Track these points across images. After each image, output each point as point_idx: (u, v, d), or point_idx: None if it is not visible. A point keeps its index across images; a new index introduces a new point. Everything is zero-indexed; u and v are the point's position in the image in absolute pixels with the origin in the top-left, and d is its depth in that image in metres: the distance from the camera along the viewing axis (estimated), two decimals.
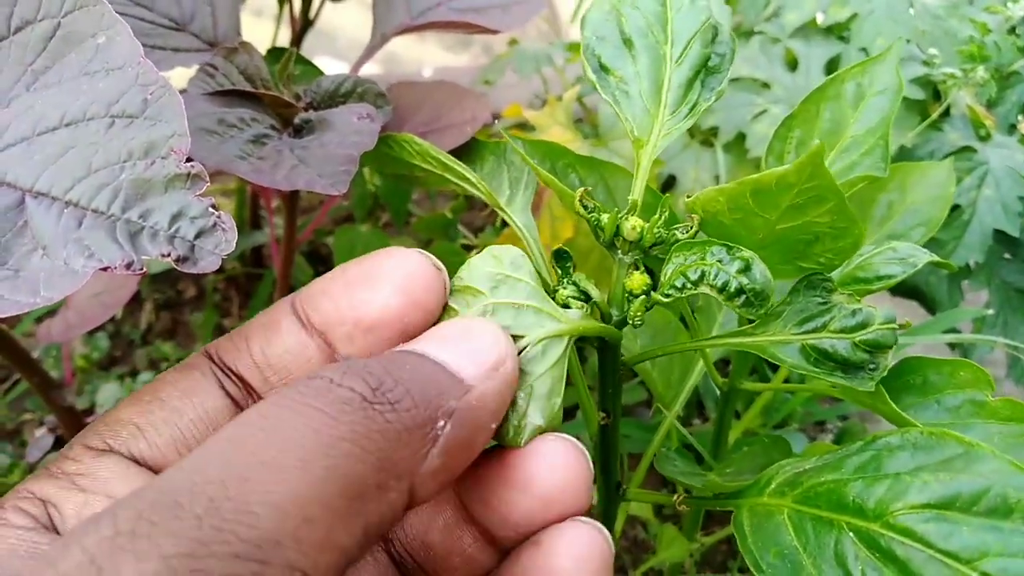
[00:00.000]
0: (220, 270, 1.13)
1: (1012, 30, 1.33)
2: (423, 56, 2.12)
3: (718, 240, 0.40)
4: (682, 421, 1.04)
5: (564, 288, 0.40)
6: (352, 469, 0.26)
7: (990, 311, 1.02)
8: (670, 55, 0.48)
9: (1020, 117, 1.28)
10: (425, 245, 1.23)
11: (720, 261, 0.38)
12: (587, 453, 0.35)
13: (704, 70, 0.48)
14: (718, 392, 0.67)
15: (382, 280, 0.36)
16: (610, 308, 0.42)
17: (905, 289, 1.06)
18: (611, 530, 0.58)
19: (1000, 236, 1.02)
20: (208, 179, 0.38)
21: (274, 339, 0.37)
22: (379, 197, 1.18)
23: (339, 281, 0.37)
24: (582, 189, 0.42)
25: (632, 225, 0.41)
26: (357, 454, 0.26)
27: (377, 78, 1.72)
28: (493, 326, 0.33)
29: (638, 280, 0.40)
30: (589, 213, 0.42)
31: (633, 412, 1.06)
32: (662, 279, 0.40)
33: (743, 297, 0.38)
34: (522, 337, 0.35)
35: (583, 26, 0.49)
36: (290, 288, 1.13)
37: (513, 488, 0.34)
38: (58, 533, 0.30)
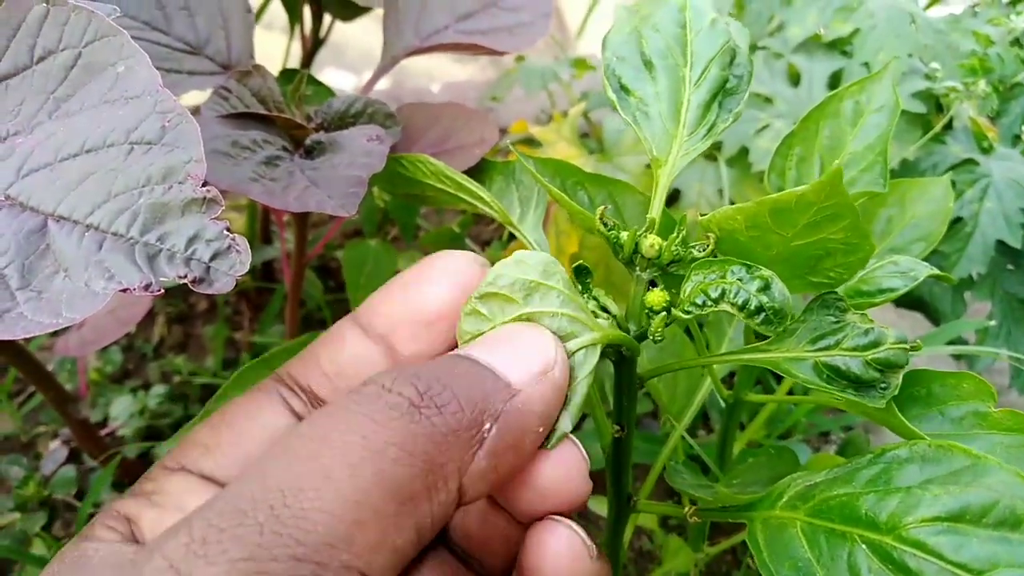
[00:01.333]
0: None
1: (1016, 42, 1.34)
2: (431, 68, 2.14)
3: (736, 259, 0.41)
4: (688, 432, 1.05)
5: (587, 302, 0.41)
6: (400, 473, 0.27)
7: (993, 322, 1.03)
8: (689, 77, 0.50)
9: (1023, 128, 1.28)
10: None
11: (740, 280, 0.40)
12: (581, 446, 0.36)
13: (722, 92, 0.49)
14: (723, 404, 0.68)
15: (437, 277, 0.38)
16: (628, 323, 0.43)
17: (909, 301, 1.07)
18: (620, 541, 0.60)
19: (1003, 247, 1.03)
20: (223, 203, 0.40)
21: (340, 350, 0.39)
22: (388, 212, 1.19)
23: (396, 285, 0.40)
24: (601, 208, 0.43)
25: (651, 243, 0.42)
26: (404, 458, 0.27)
27: (386, 93, 1.74)
28: (544, 332, 0.35)
29: (658, 296, 0.41)
30: (608, 231, 0.43)
31: (640, 423, 1.07)
32: (682, 296, 0.41)
33: (763, 315, 0.39)
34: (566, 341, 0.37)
35: (604, 47, 0.51)
36: (300, 302, 1.15)
37: (521, 482, 0.35)
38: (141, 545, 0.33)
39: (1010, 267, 1.08)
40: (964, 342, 1.06)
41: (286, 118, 0.63)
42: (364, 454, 0.27)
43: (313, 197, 0.53)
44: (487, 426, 0.30)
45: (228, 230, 0.40)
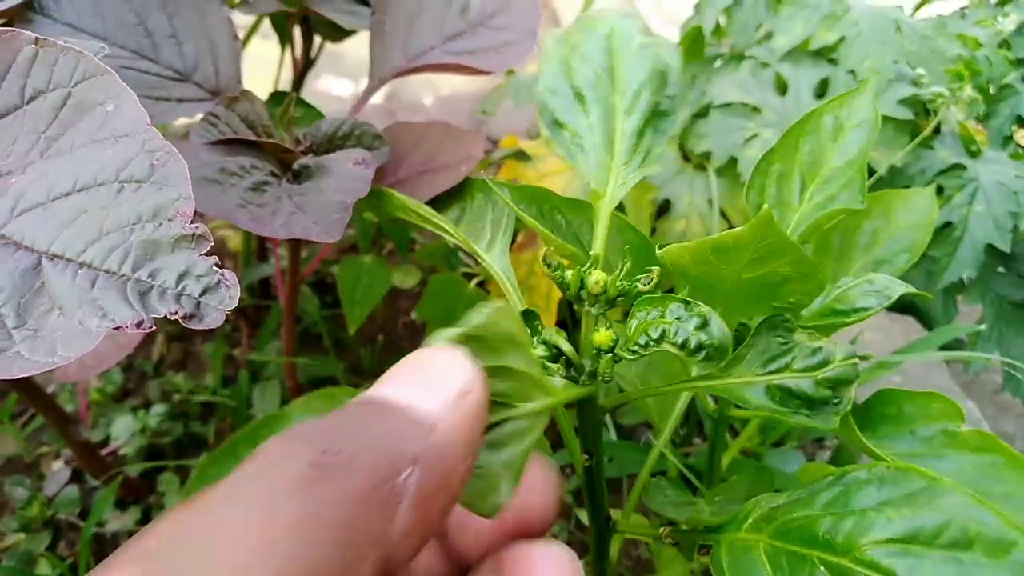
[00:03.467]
0: None
1: (1003, 44, 1.34)
2: (429, 77, 2.15)
3: (676, 296, 0.42)
4: (682, 441, 1.06)
5: (535, 347, 0.42)
6: (310, 557, 0.22)
7: (984, 326, 1.03)
8: (620, 106, 0.50)
9: (1014, 128, 1.29)
10: (428, 273, 1.25)
11: (679, 319, 0.40)
12: (553, 470, 0.34)
13: (655, 115, 0.50)
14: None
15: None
16: (581, 360, 0.44)
17: (901, 305, 1.08)
18: (605, 559, 0.61)
19: (992, 251, 1.03)
20: (212, 239, 0.41)
21: None
22: (382, 227, 1.21)
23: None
24: (545, 250, 0.44)
25: (596, 279, 0.43)
26: (312, 539, 0.22)
27: (381, 107, 1.75)
28: (453, 351, 0.29)
29: (604, 337, 0.42)
30: (553, 271, 0.44)
31: (634, 432, 1.08)
32: (628, 334, 0.42)
33: (703, 352, 0.40)
34: (513, 407, 0.34)
35: (538, 80, 0.51)
36: (297, 318, 1.16)
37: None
38: None
39: (1000, 270, 1.08)
40: (957, 345, 1.06)
41: (274, 143, 0.64)
42: (258, 549, 0.21)
43: (299, 224, 0.54)
44: (407, 472, 0.25)
45: (217, 265, 0.41)
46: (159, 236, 0.41)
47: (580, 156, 0.49)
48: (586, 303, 0.44)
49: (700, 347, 0.40)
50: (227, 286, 0.40)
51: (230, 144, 0.65)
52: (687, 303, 0.40)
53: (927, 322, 1.07)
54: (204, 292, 0.40)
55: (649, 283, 0.43)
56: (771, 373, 0.43)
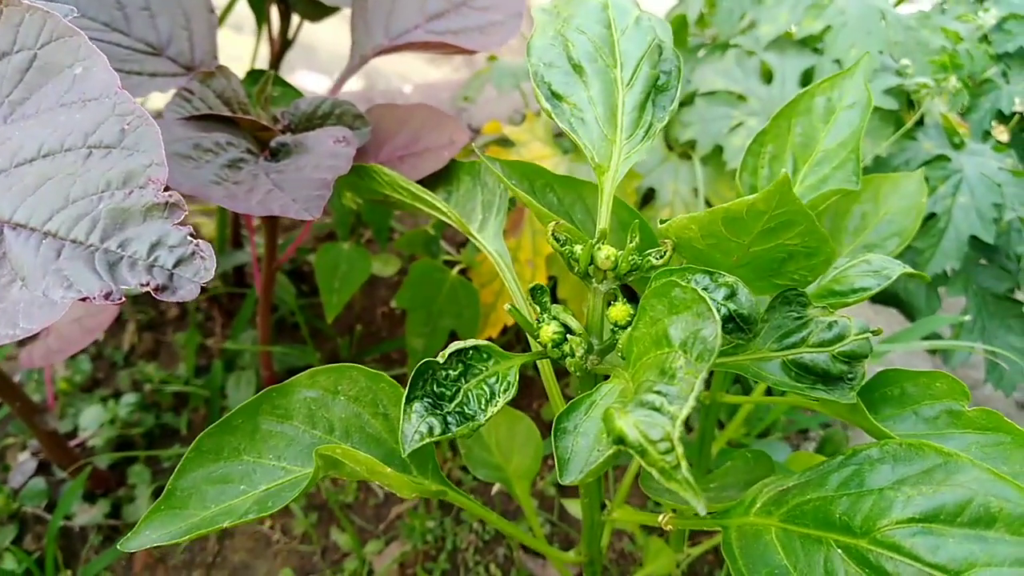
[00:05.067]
0: (202, 290, 1.13)
1: (984, 38, 1.34)
2: (403, 68, 2.12)
3: (698, 266, 0.40)
4: None
5: (547, 324, 0.40)
6: None
7: (967, 317, 1.03)
8: (621, 78, 0.49)
9: (994, 123, 1.29)
10: (408, 261, 1.23)
11: (706, 288, 0.39)
12: None
13: (655, 90, 0.49)
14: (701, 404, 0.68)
15: None
16: (590, 337, 0.42)
17: (884, 297, 1.07)
18: (597, 545, 0.59)
19: (976, 242, 1.03)
20: (186, 208, 0.39)
21: None
22: (361, 214, 1.18)
23: None
24: (553, 224, 0.42)
25: (606, 254, 0.41)
26: None
27: (358, 94, 1.72)
28: None
29: (621, 311, 0.41)
30: (562, 246, 0.42)
31: None
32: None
33: (732, 324, 0.39)
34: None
35: (529, 53, 0.49)
36: (273, 307, 1.13)
37: None
38: None
39: (983, 262, 1.08)
40: (939, 337, 1.06)
41: (251, 119, 0.62)
42: None
43: (277, 201, 0.52)
44: None
45: (192, 235, 0.39)
46: (130, 204, 0.39)
47: (582, 129, 0.48)
48: (594, 280, 0.42)
49: (729, 317, 0.38)
50: (202, 257, 0.38)
51: (205, 120, 0.62)
52: (711, 273, 0.39)
53: (910, 313, 1.07)
54: (178, 263, 0.38)
55: (662, 257, 0.42)
56: (787, 349, 0.41)
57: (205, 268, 0.38)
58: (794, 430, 1.05)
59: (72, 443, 1.00)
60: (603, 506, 0.53)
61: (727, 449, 0.80)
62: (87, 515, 0.96)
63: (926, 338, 1.00)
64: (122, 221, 0.38)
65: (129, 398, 1.05)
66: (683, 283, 0.37)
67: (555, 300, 1.03)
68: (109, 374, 1.12)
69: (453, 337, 1.00)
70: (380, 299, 1.25)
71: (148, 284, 0.37)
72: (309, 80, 2.03)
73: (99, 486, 0.98)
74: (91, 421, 1.02)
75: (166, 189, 0.39)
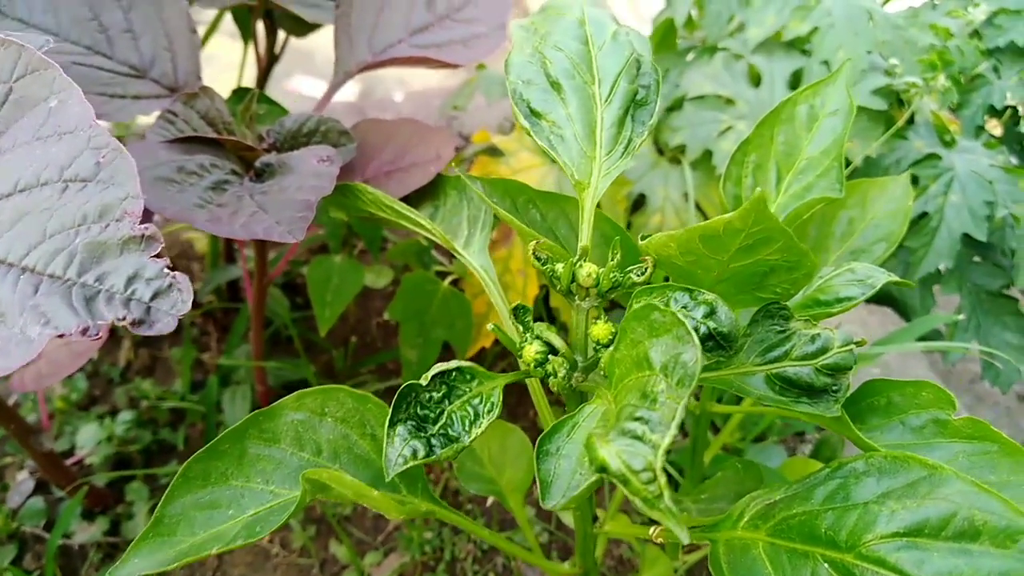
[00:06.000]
0: (197, 305, 1.13)
1: (975, 33, 1.34)
2: (401, 74, 2.12)
3: (678, 283, 0.40)
4: None
5: (529, 344, 0.40)
6: None
7: (962, 316, 1.03)
8: (599, 95, 0.49)
9: (986, 118, 1.29)
10: (400, 272, 1.23)
11: (685, 307, 0.39)
12: None
13: (633, 105, 0.49)
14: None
15: None
16: (574, 354, 0.42)
17: (878, 296, 1.07)
18: (591, 556, 0.59)
19: (969, 241, 1.03)
20: (162, 240, 0.39)
21: None
22: (352, 226, 1.18)
23: None
24: (533, 243, 0.42)
25: (587, 272, 0.41)
26: None
27: (350, 104, 1.72)
28: None
29: (603, 329, 0.41)
30: (543, 265, 0.42)
31: None
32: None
33: (712, 342, 0.39)
34: None
35: (507, 71, 0.49)
36: (267, 321, 1.13)
37: None
38: None
39: (976, 259, 1.08)
40: (936, 336, 1.06)
41: (235, 140, 0.62)
42: None
43: (261, 224, 0.52)
44: None
45: (169, 267, 0.39)
46: (106, 238, 0.39)
47: (561, 147, 0.48)
48: (577, 297, 0.42)
49: (709, 335, 0.38)
50: (179, 289, 0.38)
51: (189, 142, 0.62)
52: (691, 291, 0.39)
53: (905, 313, 1.07)
54: (155, 296, 0.38)
55: (643, 274, 0.42)
56: (770, 363, 0.42)
57: (182, 300, 0.38)
58: (790, 433, 1.05)
59: (70, 461, 1.00)
60: (595, 518, 0.53)
61: (721, 456, 0.80)
62: (86, 533, 0.96)
63: (922, 338, 0.99)
64: (99, 255, 0.38)
65: (126, 415, 1.05)
66: (662, 307, 0.37)
67: (548, 309, 1.03)
68: (105, 391, 1.12)
69: (447, 347, 1.00)
70: (374, 310, 1.25)
71: (125, 319, 0.37)
72: (306, 85, 2.02)
73: (97, 504, 0.98)
74: (88, 439, 1.02)
75: (144, 219, 0.39)
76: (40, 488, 1.01)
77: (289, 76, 1.99)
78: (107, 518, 0.97)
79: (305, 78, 2.07)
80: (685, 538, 0.31)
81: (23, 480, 1.02)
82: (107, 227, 0.39)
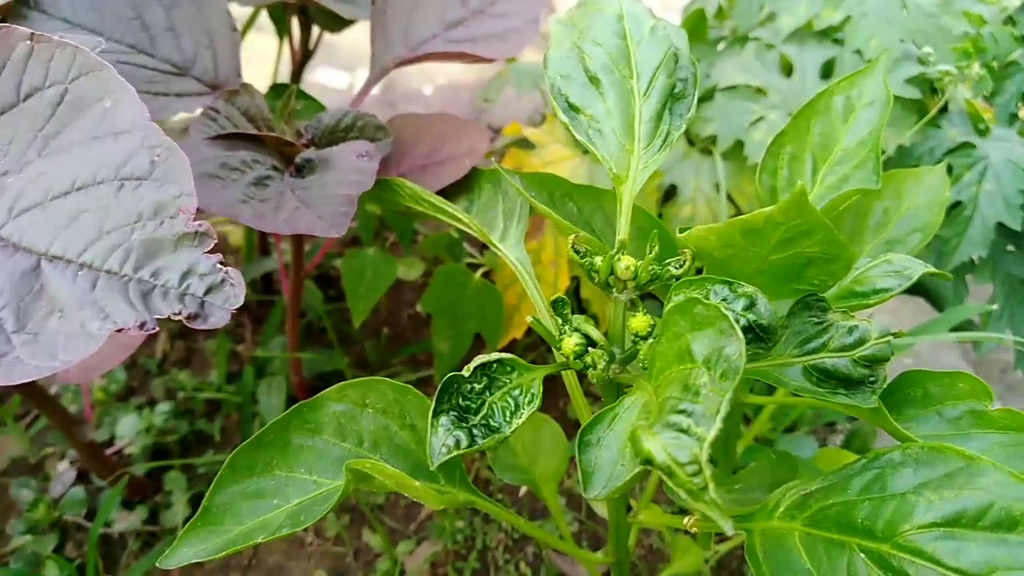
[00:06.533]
0: None
1: (1009, 20, 1.33)
2: (415, 68, 2.12)
3: (717, 276, 0.41)
4: None
5: (568, 336, 0.41)
6: None
7: (995, 305, 1.02)
8: (637, 89, 0.49)
9: (1021, 106, 1.28)
10: (432, 265, 1.24)
11: (725, 300, 0.39)
12: None
13: (671, 98, 0.49)
14: None
15: None
16: (612, 346, 0.43)
17: (911, 286, 1.06)
18: (624, 545, 0.60)
19: (1002, 229, 1.02)
20: (215, 237, 0.40)
21: None
22: (385, 219, 1.19)
23: None
24: (573, 236, 0.43)
25: (626, 265, 0.42)
26: None
27: (379, 97, 1.73)
28: None
29: (642, 322, 0.41)
30: (582, 258, 0.43)
31: None
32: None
33: (751, 334, 0.39)
34: None
35: (546, 65, 0.50)
36: (301, 313, 1.15)
37: None
38: None
39: (1010, 248, 1.07)
40: (968, 326, 1.05)
41: (275, 136, 0.63)
42: None
43: (303, 219, 0.53)
44: None
45: (221, 263, 0.40)
46: (161, 234, 0.40)
47: (599, 141, 0.48)
48: (615, 290, 0.43)
49: (749, 328, 0.39)
50: (232, 284, 0.39)
51: (230, 139, 0.63)
52: (730, 283, 0.39)
53: (937, 303, 1.06)
54: (208, 291, 0.39)
55: (682, 266, 0.42)
56: (808, 354, 0.42)
57: (235, 295, 0.39)
58: (821, 423, 1.05)
59: (109, 451, 1.03)
60: (628, 508, 0.53)
61: (753, 446, 0.81)
62: (125, 522, 0.98)
63: (955, 328, 0.99)
64: (154, 251, 0.40)
65: (163, 406, 1.07)
66: (705, 300, 0.38)
67: (578, 300, 1.04)
68: (143, 383, 1.14)
69: (478, 339, 1.01)
70: (406, 302, 1.26)
71: (180, 313, 0.38)
72: (331, 77, 2.04)
73: (136, 493, 1.00)
74: (128, 430, 1.04)
75: (196, 215, 0.41)
76: (81, 478, 1.04)
77: (314, 69, 2.01)
78: (146, 507, 0.99)
79: (331, 70, 2.08)
80: (729, 529, 0.32)
81: (64, 470, 1.05)
82: (162, 224, 0.40)
